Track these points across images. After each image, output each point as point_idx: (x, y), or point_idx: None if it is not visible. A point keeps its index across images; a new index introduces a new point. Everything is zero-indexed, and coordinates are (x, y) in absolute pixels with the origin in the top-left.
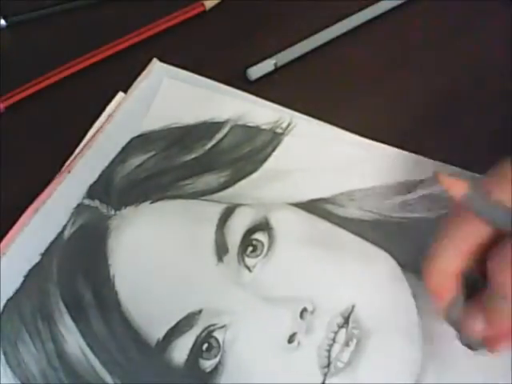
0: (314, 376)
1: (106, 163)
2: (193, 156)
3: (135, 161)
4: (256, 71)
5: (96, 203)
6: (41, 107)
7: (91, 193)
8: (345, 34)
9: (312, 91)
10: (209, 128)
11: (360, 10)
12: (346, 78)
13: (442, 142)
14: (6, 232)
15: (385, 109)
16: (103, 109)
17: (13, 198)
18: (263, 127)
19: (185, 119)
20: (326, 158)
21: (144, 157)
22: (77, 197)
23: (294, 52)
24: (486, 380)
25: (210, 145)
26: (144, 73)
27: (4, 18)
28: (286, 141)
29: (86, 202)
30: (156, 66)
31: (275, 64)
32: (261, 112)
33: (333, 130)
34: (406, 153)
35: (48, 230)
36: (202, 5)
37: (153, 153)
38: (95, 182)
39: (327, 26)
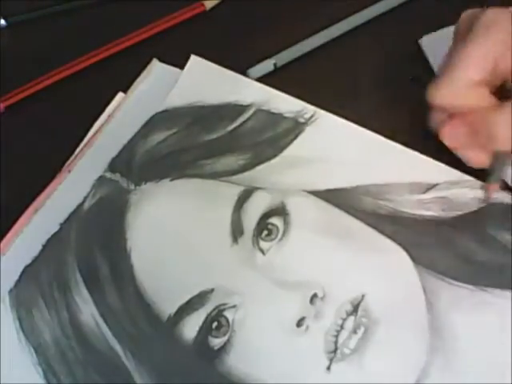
0: (320, 360)
1: (107, 162)
2: (214, 136)
3: (158, 136)
4: (256, 71)
5: (117, 177)
6: (41, 107)
7: (113, 166)
8: (345, 34)
9: (312, 91)
10: (232, 110)
11: (360, 9)
12: (346, 78)
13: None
14: (6, 232)
15: (385, 109)
16: (103, 109)
17: (13, 198)
18: (286, 115)
19: (209, 99)
20: (346, 151)
21: (166, 133)
22: (77, 196)
23: (294, 52)
24: (490, 376)
25: (232, 126)
26: (144, 73)
27: (4, 18)
28: (308, 131)
29: (108, 175)
30: (156, 66)
31: (275, 64)
32: (285, 100)
33: (355, 125)
34: (423, 156)
35: (48, 229)
36: (202, 5)
37: (175, 130)
38: (117, 156)
39: (327, 26)
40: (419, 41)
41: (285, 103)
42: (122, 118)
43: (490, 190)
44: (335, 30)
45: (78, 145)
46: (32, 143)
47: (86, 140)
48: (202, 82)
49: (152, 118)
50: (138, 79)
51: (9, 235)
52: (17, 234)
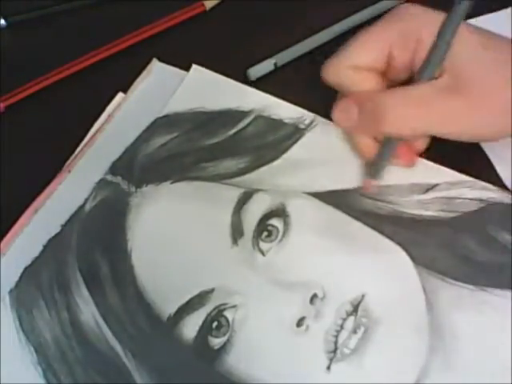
0: (320, 360)
1: (107, 162)
2: (215, 140)
3: (159, 140)
4: (256, 71)
5: (118, 179)
6: (41, 107)
7: (114, 169)
8: (345, 34)
9: (312, 91)
10: (233, 116)
11: (360, 10)
12: None
13: (442, 141)
14: (6, 232)
15: None
16: (103, 109)
17: (13, 198)
18: (286, 121)
19: (210, 105)
20: (345, 153)
21: (168, 137)
22: (77, 196)
23: (294, 52)
24: (490, 376)
25: (233, 131)
26: (144, 73)
27: (4, 18)
28: (308, 136)
29: (109, 177)
30: (156, 66)
31: (275, 64)
32: (285, 107)
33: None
34: (421, 159)
35: (48, 229)
36: (202, 5)
37: (176, 134)
38: (118, 159)
39: (327, 26)
40: None
41: (285, 110)
42: (122, 118)
43: (366, 185)
44: (335, 30)
45: (77, 145)
46: (32, 143)
47: (86, 140)
48: (203, 89)
49: (153, 122)
50: (138, 79)
51: (9, 235)
52: (17, 234)
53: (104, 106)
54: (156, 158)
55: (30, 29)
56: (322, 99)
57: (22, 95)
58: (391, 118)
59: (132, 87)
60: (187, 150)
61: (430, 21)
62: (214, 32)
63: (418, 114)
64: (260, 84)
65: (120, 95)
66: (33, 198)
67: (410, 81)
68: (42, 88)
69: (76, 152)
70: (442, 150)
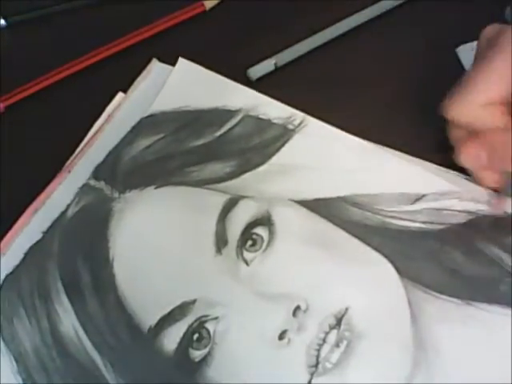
0: (301, 375)
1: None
2: (201, 142)
3: (143, 142)
4: (256, 71)
5: (101, 184)
6: (41, 107)
7: (97, 173)
8: (345, 34)
9: (312, 91)
10: (220, 115)
11: (360, 9)
12: (346, 78)
13: (443, 142)
14: (6, 232)
15: (385, 109)
16: (103, 109)
17: (13, 198)
18: (275, 121)
19: (197, 103)
20: (334, 160)
21: (152, 138)
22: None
23: (294, 52)
24: None
25: (219, 132)
26: (144, 73)
27: (4, 18)
28: (297, 138)
29: (92, 182)
30: (156, 66)
31: (275, 64)
32: (274, 106)
33: (344, 133)
34: (411, 166)
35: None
36: (202, 5)
37: (161, 135)
38: (102, 163)
39: (327, 26)
40: (456, 50)
41: (274, 109)
42: (122, 118)
43: (501, 202)
44: (335, 29)
45: (77, 145)
46: (32, 143)
47: (86, 140)
48: (190, 85)
49: (138, 123)
50: (138, 79)
51: (9, 235)
52: (17, 234)
53: (104, 106)
54: (140, 161)
55: (30, 29)
56: (321, 99)
57: (21, 95)
58: None
59: (132, 87)
60: (172, 152)
61: None
62: (214, 32)
63: None
64: (260, 84)
65: (120, 95)
66: (33, 198)
67: None
68: (42, 88)
69: (76, 152)
70: (439, 149)
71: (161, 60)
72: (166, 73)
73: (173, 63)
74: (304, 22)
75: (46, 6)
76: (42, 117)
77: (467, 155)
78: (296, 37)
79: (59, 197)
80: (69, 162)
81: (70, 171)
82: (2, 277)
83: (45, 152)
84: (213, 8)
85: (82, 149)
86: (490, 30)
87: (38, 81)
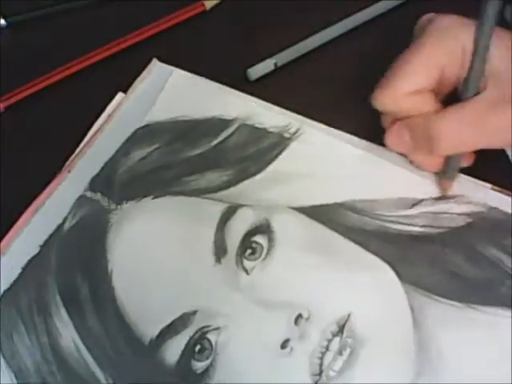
0: (305, 383)
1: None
2: (197, 152)
3: (139, 153)
4: (256, 71)
5: (98, 196)
6: (41, 107)
7: (93, 185)
8: (345, 34)
9: (312, 91)
10: (216, 124)
11: (360, 10)
12: (346, 78)
13: None
14: (6, 232)
15: None
16: (103, 109)
17: (13, 197)
18: (271, 130)
19: (192, 113)
20: (331, 167)
21: (148, 149)
22: (77, 196)
23: (294, 52)
24: None
25: (215, 141)
26: (144, 73)
27: (4, 18)
28: (293, 146)
29: (88, 194)
30: (156, 66)
31: (275, 64)
32: (270, 115)
33: (341, 141)
34: (409, 172)
35: (48, 230)
36: (202, 5)
37: (157, 145)
38: (98, 174)
39: (327, 26)
40: None
41: (269, 117)
42: (122, 118)
43: (443, 188)
44: (335, 29)
45: (78, 145)
46: (32, 143)
47: (86, 140)
48: (185, 95)
49: (134, 133)
50: (138, 79)
51: (9, 235)
52: (17, 234)
53: (104, 106)
54: (137, 172)
55: (30, 29)
56: (321, 99)
57: (21, 95)
58: (446, 140)
59: (132, 87)
60: (168, 162)
61: (469, 30)
62: (214, 32)
63: (473, 132)
64: (260, 84)
65: (120, 95)
66: (33, 198)
67: (455, 91)
68: (42, 88)
69: (76, 152)
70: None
71: (161, 60)
72: (166, 73)
73: (173, 63)
74: (304, 21)
75: (45, 5)
76: (42, 117)
77: (390, 136)
78: (296, 37)
79: (59, 197)
80: (69, 161)
81: (69, 171)
82: (2, 281)
83: (45, 152)
84: (213, 8)
85: (81, 149)
86: (423, 19)
87: (38, 81)
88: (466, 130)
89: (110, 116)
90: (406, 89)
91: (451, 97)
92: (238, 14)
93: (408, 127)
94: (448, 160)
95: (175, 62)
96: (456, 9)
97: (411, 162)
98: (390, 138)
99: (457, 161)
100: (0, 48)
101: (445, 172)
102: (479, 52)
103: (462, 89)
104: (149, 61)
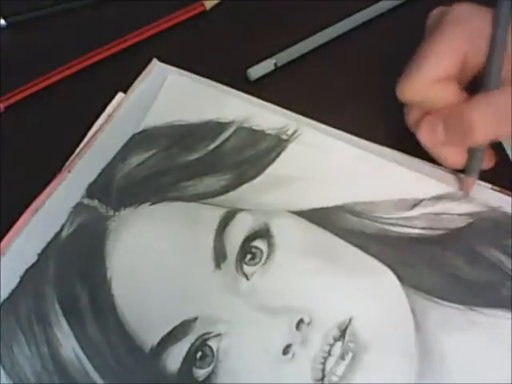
0: None
1: (106, 163)
2: (195, 156)
3: (136, 159)
4: (256, 71)
5: (95, 203)
6: (41, 107)
7: (90, 192)
8: (345, 34)
9: (312, 91)
10: (213, 128)
11: (360, 10)
12: (346, 77)
13: None
14: (6, 232)
15: (384, 109)
16: (103, 109)
17: (13, 198)
18: (268, 132)
19: (188, 117)
20: (329, 169)
21: (145, 155)
22: (77, 197)
23: (294, 52)
24: None
25: (213, 146)
26: (144, 73)
27: (4, 18)
28: (291, 148)
29: (85, 201)
30: (156, 66)
31: (275, 64)
32: (267, 116)
33: (338, 141)
34: (409, 171)
35: (47, 229)
36: (202, 5)
37: (154, 151)
38: (95, 181)
39: (327, 26)
40: None
41: (267, 119)
42: (122, 118)
43: (468, 184)
44: (335, 30)
45: (78, 145)
46: (32, 143)
47: (86, 140)
48: (182, 99)
49: (130, 139)
50: (138, 79)
51: (9, 235)
52: (17, 234)
53: (104, 106)
54: (134, 178)
55: (30, 29)
56: (321, 99)
57: (21, 95)
58: (482, 129)
59: (132, 87)
60: (166, 168)
61: (486, 16)
62: (214, 32)
63: (508, 120)
64: (260, 84)
65: (120, 95)
66: (33, 198)
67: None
68: (42, 88)
69: (76, 152)
70: None
71: (161, 60)
72: (166, 73)
73: (173, 63)
74: (304, 22)
75: (45, 6)
76: (42, 117)
77: (423, 128)
78: (296, 37)
79: (59, 197)
80: (69, 162)
81: (69, 171)
82: (2, 282)
83: (45, 152)
84: (213, 8)
85: (81, 149)
86: (436, 12)
87: (38, 81)
88: (502, 119)
89: (109, 116)
90: (433, 76)
91: (471, 86)
92: (238, 14)
93: (441, 118)
94: (471, 156)
95: (175, 62)
96: None
97: (434, 159)
98: (423, 130)
99: (481, 157)
100: (0, 48)
101: (468, 169)
102: (498, 39)
103: (484, 76)
104: (149, 61)
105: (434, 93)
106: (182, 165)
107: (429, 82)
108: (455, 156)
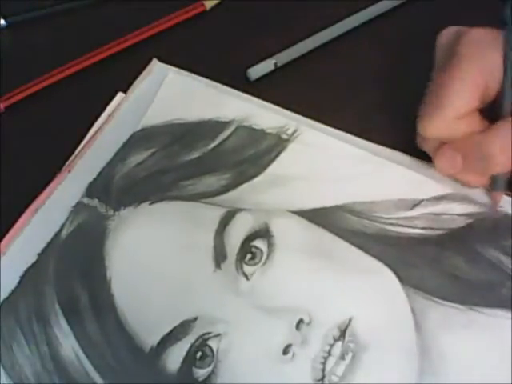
0: None
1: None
2: (195, 155)
3: (135, 158)
4: (256, 71)
5: (95, 202)
6: (41, 107)
7: (90, 191)
8: (345, 34)
9: (312, 91)
10: (213, 127)
11: (360, 10)
12: (346, 77)
13: None
14: (6, 232)
15: (385, 109)
16: (103, 109)
17: (13, 198)
18: (268, 131)
19: (188, 116)
20: (329, 169)
21: (144, 154)
22: (77, 196)
23: (293, 52)
24: None
25: (213, 145)
26: (144, 73)
27: (4, 18)
28: (291, 147)
29: (85, 200)
30: (156, 66)
31: (275, 64)
32: (267, 115)
33: (338, 141)
34: (409, 172)
35: (47, 229)
36: (202, 5)
37: (153, 150)
38: (95, 180)
39: (327, 26)
40: None
41: (267, 118)
42: (122, 118)
43: (495, 199)
44: (335, 29)
45: (78, 145)
46: (32, 143)
47: (86, 140)
48: (181, 97)
49: (130, 138)
50: (138, 79)
51: (9, 235)
52: (17, 234)
53: (104, 105)
54: (134, 177)
55: (30, 29)
56: (321, 99)
57: (21, 95)
58: (503, 158)
59: (132, 87)
60: (166, 167)
61: (498, 42)
62: (214, 32)
63: None
64: (260, 84)
65: (120, 95)
66: (33, 198)
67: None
68: (42, 88)
69: (76, 152)
70: None
71: (161, 60)
72: (165, 73)
73: (173, 63)
74: (304, 22)
75: (45, 6)
76: (42, 117)
77: (442, 160)
78: (296, 37)
79: (59, 197)
80: (69, 162)
81: (70, 171)
82: (2, 283)
83: (45, 152)
84: (213, 8)
85: (82, 149)
86: (445, 35)
87: (37, 81)
88: None
89: (109, 116)
90: (455, 114)
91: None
92: (238, 14)
93: (459, 149)
94: (496, 174)
95: (175, 62)
96: (456, 9)
97: (458, 181)
98: (442, 162)
99: (505, 173)
100: (0, 48)
101: (493, 185)
102: (510, 65)
103: (500, 103)
104: (149, 61)
105: (457, 128)
106: (181, 164)
107: (452, 120)
108: (477, 178)
